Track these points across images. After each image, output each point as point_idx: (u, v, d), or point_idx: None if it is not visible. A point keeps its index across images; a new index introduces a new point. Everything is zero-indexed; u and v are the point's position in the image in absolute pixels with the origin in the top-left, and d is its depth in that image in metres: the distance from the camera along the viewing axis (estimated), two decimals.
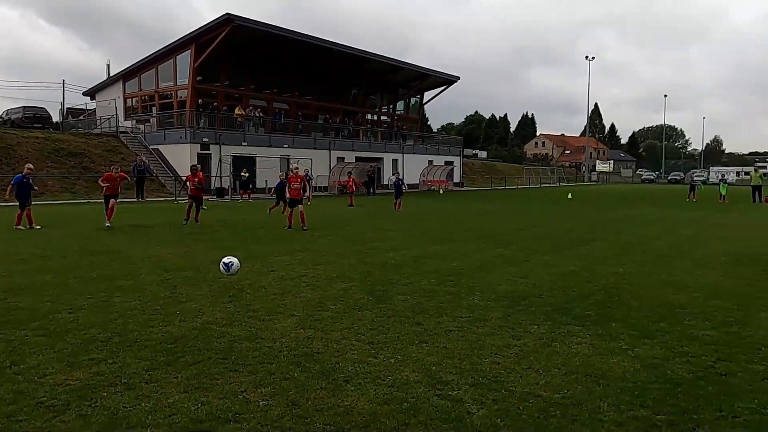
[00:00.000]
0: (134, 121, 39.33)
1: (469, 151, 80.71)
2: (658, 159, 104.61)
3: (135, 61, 39.62)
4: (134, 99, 40.94)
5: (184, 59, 36.42)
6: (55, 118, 43.69)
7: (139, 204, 25.78)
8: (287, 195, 14.91)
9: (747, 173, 60.01)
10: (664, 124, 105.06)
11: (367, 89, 50.44)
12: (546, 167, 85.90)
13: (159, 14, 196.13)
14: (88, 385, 3.98)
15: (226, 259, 7.41)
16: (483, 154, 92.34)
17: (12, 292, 6.88)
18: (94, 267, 8.72)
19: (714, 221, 18.38)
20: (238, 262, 7.47)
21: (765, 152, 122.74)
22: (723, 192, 31.25)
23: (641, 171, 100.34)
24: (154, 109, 39.10)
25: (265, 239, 12.54)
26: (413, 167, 48.28)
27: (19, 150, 30.15)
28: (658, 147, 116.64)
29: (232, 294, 6.89)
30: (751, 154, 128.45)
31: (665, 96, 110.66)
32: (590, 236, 13.73)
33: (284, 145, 38.09)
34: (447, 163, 53.55)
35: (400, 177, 23.91)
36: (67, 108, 47.03)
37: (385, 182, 46.38)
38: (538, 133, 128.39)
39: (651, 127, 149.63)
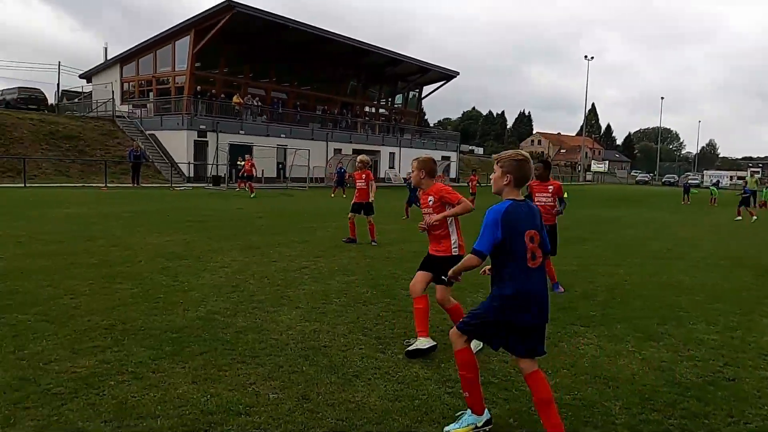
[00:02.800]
0: (131, 106, 39.03)
1: (465, 147, 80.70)
2: (652, 161, 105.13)
3: (133, 45, 39.30)
4: (131, 83, 40.62)
5: (183, 45, 36.15)
6: (51, 100, 43.17)
7: (135, 190, 25.61)
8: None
9: (741, 178, 60.27)
10: (660, 127, 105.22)
11: (366, 81, 50.26)
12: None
13: None
14: (95, 373, 3.93)
15: None
16: (480, 150, 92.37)
17: (11, 276, 6.79)
18: (93, 253, 8.63)
19: (709, 223, 18.47)
20: None
21: (759, 157, 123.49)
22: (715, 194, 31.67)
23: (635, 172, 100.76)
24: (151, 94, 38.83)
25: (263, 230, 12.47)
26: (410, 161, 48.17)
27: (14, 131, 29.86)
28: (653, 149, 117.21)
29: (234, 284, 6.84)
30: (744, 158, 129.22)
31: (662, 98, 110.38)
32: (588, 235, 13.76)
33: (281, 135, 37.95)
34: (444, 158, 53.51)
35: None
36: (63, 90, 46.56)
37: (382, 175, 46.36)
38: (534, 131, 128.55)
39: (647, 128, 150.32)
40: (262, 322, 5.33)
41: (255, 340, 4.77)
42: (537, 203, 7.47)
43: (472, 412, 3.34)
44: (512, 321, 3.11)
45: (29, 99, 37.38)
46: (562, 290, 7.21)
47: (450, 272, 3.44)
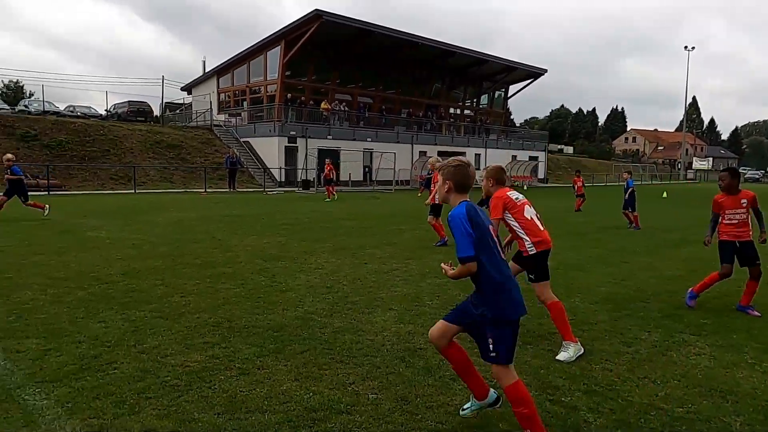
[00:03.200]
0: (227, 115, 41.18)
1: (554, 147, 78.18)
2: (764, 156, 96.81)
3: (228, 58, 41.44)
4: (227, 94, 42.87)
5: (274, 55, 37.67)
6: (156, 111, 46.49)
7: (231, 194, 26.96)
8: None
9: None
10: None
11: (451, 83, 49.98)
12: (637, 164, 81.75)
13: (244, 7, 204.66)
14: (206, 368, 4.18)
15: None
16: (569, 149, 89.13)
17: (129, 275, 7.38)
18: (198, 254, 9.18)
19: None
20: None
21: None
22: None
23: (744, 169, 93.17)
24: (245, 103, 40.79)
25: (352, 232, 12.70)
26: (496, 162, 47.24)
27: (125, 142, 32.42)
28: (764, 143, 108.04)
29: (329, 285, 7.03)
30: None
31: None
32: (693, 237, 12.85)
33: (368, 139, 38.54)
34: (531, 158, 52.17)
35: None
36: (166, 102, 49.99)
37: None
38: (628, 128, 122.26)
39: (756, 122, 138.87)
40: (358, 323, 5.43)
41: (352, 341, 4.87)
42: (727, 222, 6.23)
43: None
44: (508, 314, 3.13)
45: (138, 111, 40.50)
46: (758, 314, 6.07)
47: (450, 275, 3.41)
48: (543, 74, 51.81)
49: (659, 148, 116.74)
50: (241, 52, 40.03)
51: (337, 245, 10.42)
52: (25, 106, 40.40)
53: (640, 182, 62.10)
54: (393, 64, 42.46)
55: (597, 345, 4.91)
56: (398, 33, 38.35)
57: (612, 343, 4.98)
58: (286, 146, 34.77)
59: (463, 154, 45.57)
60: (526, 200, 4.82)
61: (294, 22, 35.46)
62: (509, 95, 56.02)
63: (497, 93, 55.32)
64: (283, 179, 34.14)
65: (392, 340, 4.91)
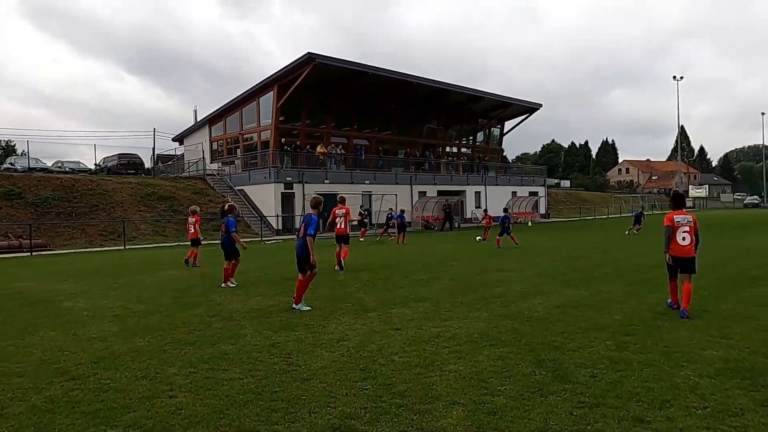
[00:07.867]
0: (220, 164, 40.00)
1: (550, 181, 77.51)
2: (756, 182, 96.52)
3: (220, 106, 40.56)
4: (219, 142, 41.82)
5: (267, 100, 36.79)
6: (147, 164, 45.25)
7: None
8: None
9: None
10: (763, 144, 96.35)
11: (447, 121, 49.31)
12: (634, 194, 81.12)
13: (230, 57, 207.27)
14: None
15: None
16: (565, 183, 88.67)
17: (103, 364, 5.79)
18: (193, 326, 7.61)
19: None
20: None
21: None
22: None
23: (739, 195, 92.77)
24: (238, 150, 39.68)
25: (370, 286, 11.15)
26: (496, 199, 46.23)
27: (115, 195, 31.00)
28: (755, 169, 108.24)
29: (362, 366, 5.46)
30: None
31: (762, 114, 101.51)
32: (754, 272, 11.41)
33: (366, 182, 37.36)
34: (531, 193, 51.10)
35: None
36: (157, 154, 48.86)
37: (469, 215, 44.64)
38: (620, 160, 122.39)
39: (744, 147, 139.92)
40: None
41: None
42: None
43: None
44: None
45: (128, 164, 39.24)
46: None
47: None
48: (538, 109, 51.31)
49: (653, 177, 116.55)
50: (233, 100, 39.16)
51: (357, 305, 8.88)
52: (11, 164, 39.08)
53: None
54: (387, 105, 41.71)
55: None
56: (391, 73, 37.69)
57: None
58: (282, 192, 33.45)
59: (462, 193, 44.49)
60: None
61: (287, 66, 34.68)
62: (505, 131, 55.42)
63: (493, 130, 54.72)
64: (280, 227, 32.68)
65: None
